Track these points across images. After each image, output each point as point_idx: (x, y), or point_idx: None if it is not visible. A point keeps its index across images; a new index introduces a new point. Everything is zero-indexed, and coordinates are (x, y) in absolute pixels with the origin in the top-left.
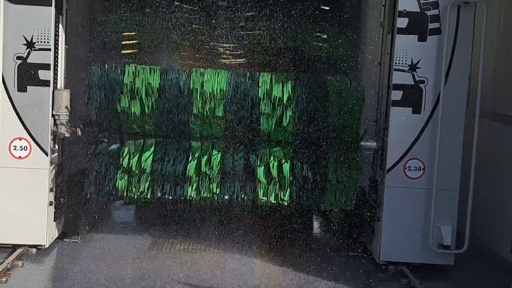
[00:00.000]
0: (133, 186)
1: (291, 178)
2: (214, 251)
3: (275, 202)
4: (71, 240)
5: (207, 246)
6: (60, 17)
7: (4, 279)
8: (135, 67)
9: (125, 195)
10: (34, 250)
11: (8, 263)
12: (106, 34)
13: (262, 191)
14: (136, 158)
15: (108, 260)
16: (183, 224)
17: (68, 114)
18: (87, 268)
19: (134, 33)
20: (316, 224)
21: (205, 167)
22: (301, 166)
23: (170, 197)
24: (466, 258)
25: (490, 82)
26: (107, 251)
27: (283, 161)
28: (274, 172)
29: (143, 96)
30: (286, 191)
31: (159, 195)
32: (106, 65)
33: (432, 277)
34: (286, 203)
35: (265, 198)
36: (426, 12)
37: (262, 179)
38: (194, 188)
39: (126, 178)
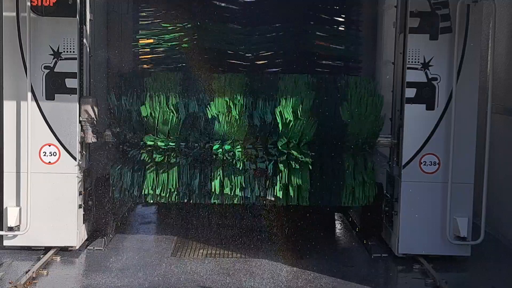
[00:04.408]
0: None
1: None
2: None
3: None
4: (95, 248)
5: (228, 250)
6: (84, 27)
7: None
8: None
9: (152, 192)
10: (58, 258)
11: (33, 272)
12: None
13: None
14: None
15: (132, 268)
16: (207, 227)
17: (94, 120)
18: (111, 276)
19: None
20: (336, 220)
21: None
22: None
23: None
24: (482, 249)
25: (502, 77)
26: (131, 258)
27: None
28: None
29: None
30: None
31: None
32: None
33: (449, 268)
34: (306, 198)
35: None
36: (436, 11)
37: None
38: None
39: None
